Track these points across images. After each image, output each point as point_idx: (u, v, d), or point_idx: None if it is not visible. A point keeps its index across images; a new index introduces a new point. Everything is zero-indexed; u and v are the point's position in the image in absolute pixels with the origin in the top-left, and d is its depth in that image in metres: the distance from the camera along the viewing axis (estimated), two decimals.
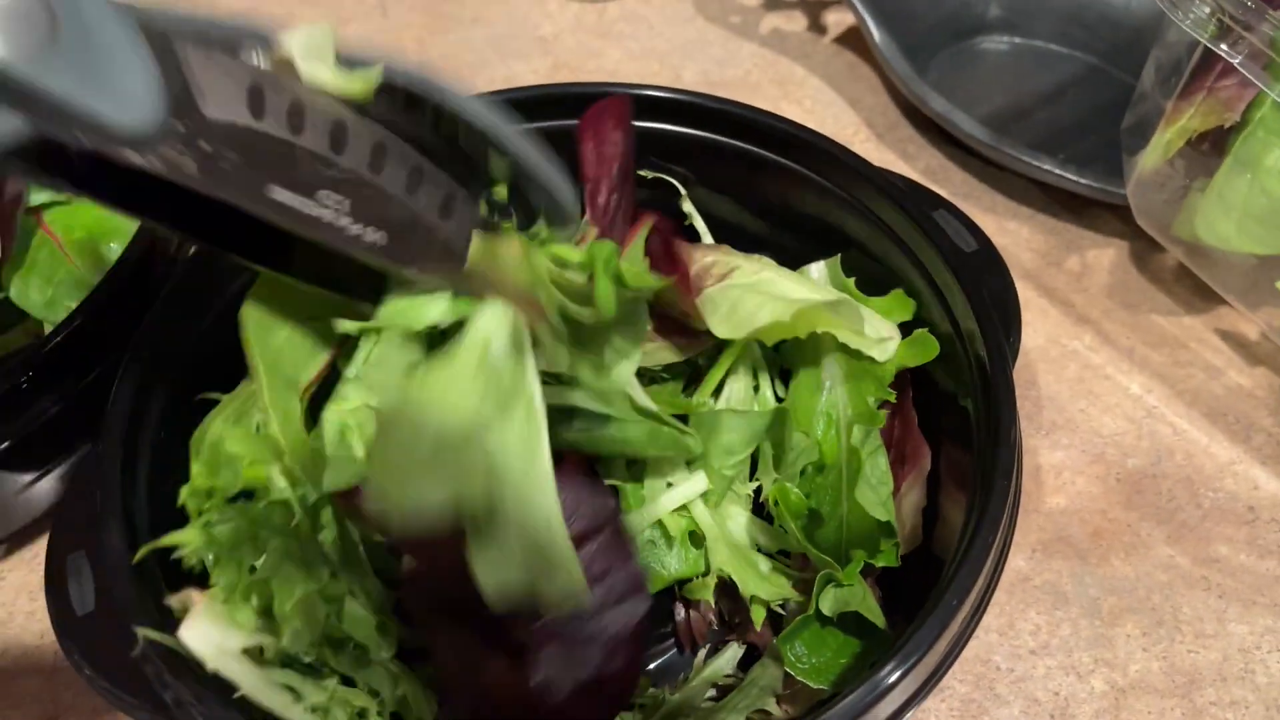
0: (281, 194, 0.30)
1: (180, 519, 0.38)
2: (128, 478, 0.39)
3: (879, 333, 0.45)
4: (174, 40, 0.27)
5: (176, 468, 0.40)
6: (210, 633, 0.34)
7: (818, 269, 0.49)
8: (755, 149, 0.50)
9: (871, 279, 0.48)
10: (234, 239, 0.34)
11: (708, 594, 0.44)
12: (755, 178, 0.51)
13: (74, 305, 0.46)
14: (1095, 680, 0.48)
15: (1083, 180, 0.63)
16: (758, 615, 0.44)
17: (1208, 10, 0.50)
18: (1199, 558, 0.52)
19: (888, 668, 0.33)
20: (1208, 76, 0.53)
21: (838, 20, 0.80)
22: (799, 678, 0.40)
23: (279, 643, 0.36)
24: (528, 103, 0.48)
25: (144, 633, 0.34)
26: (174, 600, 0.36)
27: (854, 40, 0.79)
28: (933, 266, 0.45)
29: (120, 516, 0.38)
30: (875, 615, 0.40)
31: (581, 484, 0.38)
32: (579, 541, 0.35)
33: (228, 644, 0.34)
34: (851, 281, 0.48)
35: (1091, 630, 0.50)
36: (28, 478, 0.48)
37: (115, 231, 0.52)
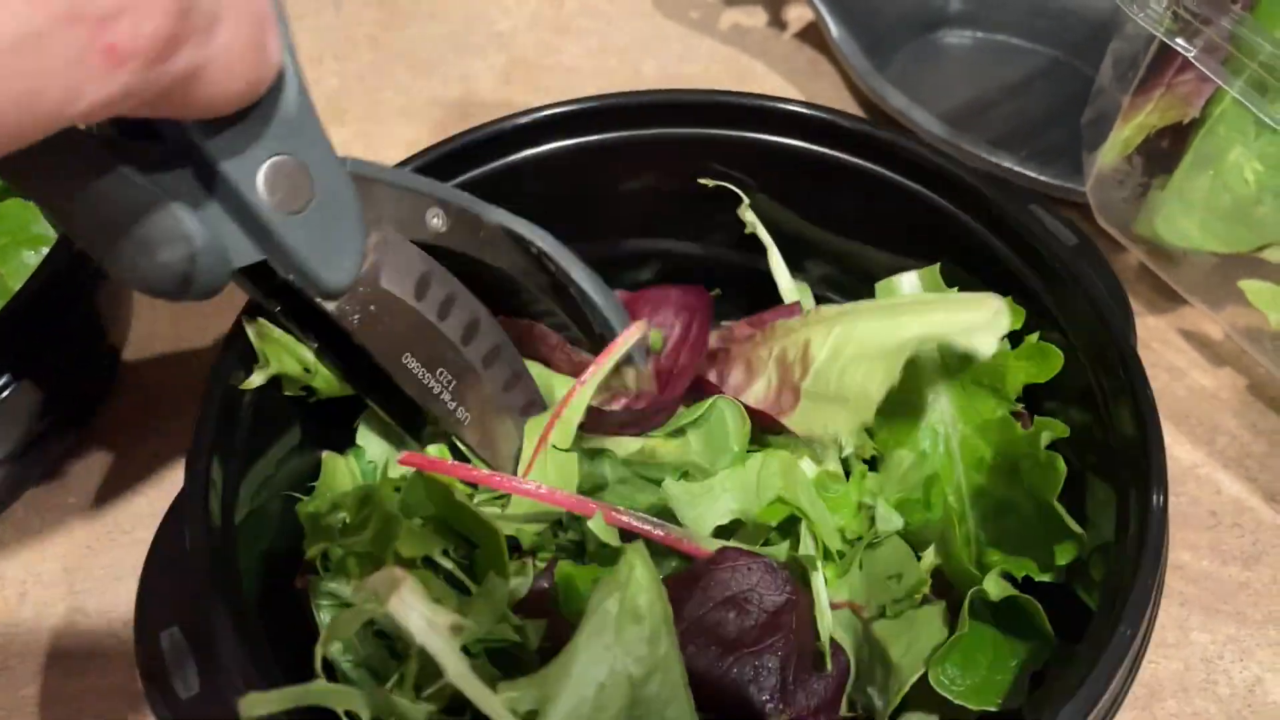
0: (411, 361, 0.38)
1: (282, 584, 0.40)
2: (224, 543, 0.37)
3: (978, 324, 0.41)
4: (380, 224, 0.35)
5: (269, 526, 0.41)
6: (420, 607, 0.32)
7: (909, 281, 0.45)
8: (827, 151, 0.46)
9: (967, 287, 0.44)
10: (361, 377, 0.41)
11: None
12: (825, 184, 0.47)
13: None
14: None
15: (1043, 178, 0.62)
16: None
17: (1164, 3, 0.48)
18: None
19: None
20: (1166, 71, 0.51)
21: (798, 15, 0.79)
22: (957, 701, 0.37)
23: (471, 623, 0.34)
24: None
25: None
26: (376, 577, 0.33)
27: (814, 36, 0.77)
28: (1039, 267, 0.41)
29: (222, 585, 0.35)
30: (1039, 615, 0.37)
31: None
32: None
33: (437, 619, 0.32)
34: (954, 292, 0.44)
35: None
36: None
37: (37, 239, 0.50)
